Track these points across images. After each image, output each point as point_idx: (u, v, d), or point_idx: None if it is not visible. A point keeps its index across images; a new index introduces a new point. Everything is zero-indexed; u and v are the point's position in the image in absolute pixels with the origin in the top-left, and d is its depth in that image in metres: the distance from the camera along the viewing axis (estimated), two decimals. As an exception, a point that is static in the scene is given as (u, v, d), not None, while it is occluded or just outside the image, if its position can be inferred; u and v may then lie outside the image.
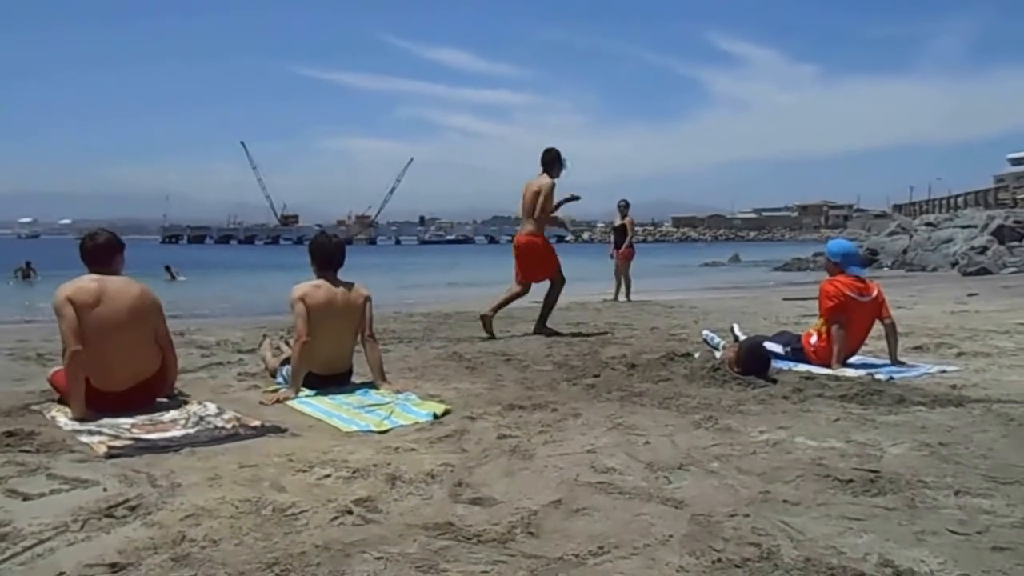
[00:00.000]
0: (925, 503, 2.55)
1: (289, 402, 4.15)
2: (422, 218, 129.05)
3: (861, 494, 2.64)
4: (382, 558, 2.14)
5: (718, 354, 5.16)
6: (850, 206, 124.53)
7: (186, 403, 4.03)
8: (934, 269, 21.97)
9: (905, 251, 24.84)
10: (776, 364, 4.92)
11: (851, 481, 2.74)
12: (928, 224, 27.85)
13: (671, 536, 2.27)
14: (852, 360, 5.22)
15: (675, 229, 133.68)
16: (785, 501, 2.56)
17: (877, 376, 4.65)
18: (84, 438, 3.37)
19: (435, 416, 3.81)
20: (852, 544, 2.21)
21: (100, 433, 3.44)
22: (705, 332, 6.15)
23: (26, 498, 2.60)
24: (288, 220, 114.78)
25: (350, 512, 2.48)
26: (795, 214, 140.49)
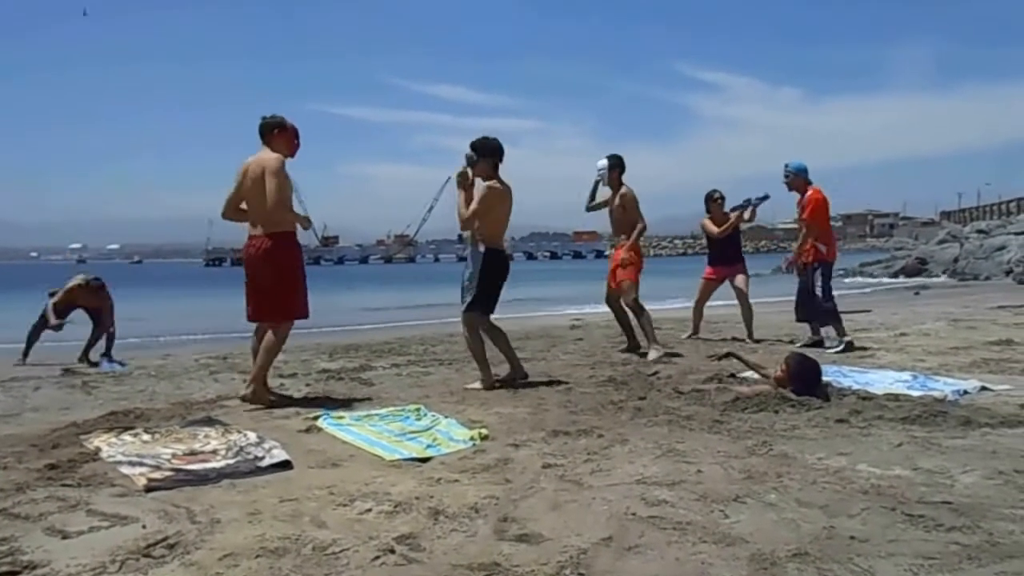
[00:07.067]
0: (1005, 539, 2.37)
1: (330, 430, 4.09)
2: (460, 236, 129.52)
3: (934, 529, 2.47)
4: (426, 603, 2.04)
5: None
6: (896, 214, 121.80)
7: (227, 432, 4.00)
8: (987, 278, 21.27)
9: (956, 260, 24.09)
10: (827, 376, 4.73)
11: (922, 516, 2.56)
12: (980, 231, 27.03)
13: (731, 578, 2.14)
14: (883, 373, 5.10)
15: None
16: (852, 537, 2.40)
17: (935, 396, 4.45)
18: (125, 470, 3.34)
19: (475, 443, 3.73)
20: (930, 587, 2.05)
21: (141, 464, 3.41)
22: None
23: (65, 536, 2.56)
24: (329, 241, 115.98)
25: (392, 551, 2.38)
26: (839, 223, 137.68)
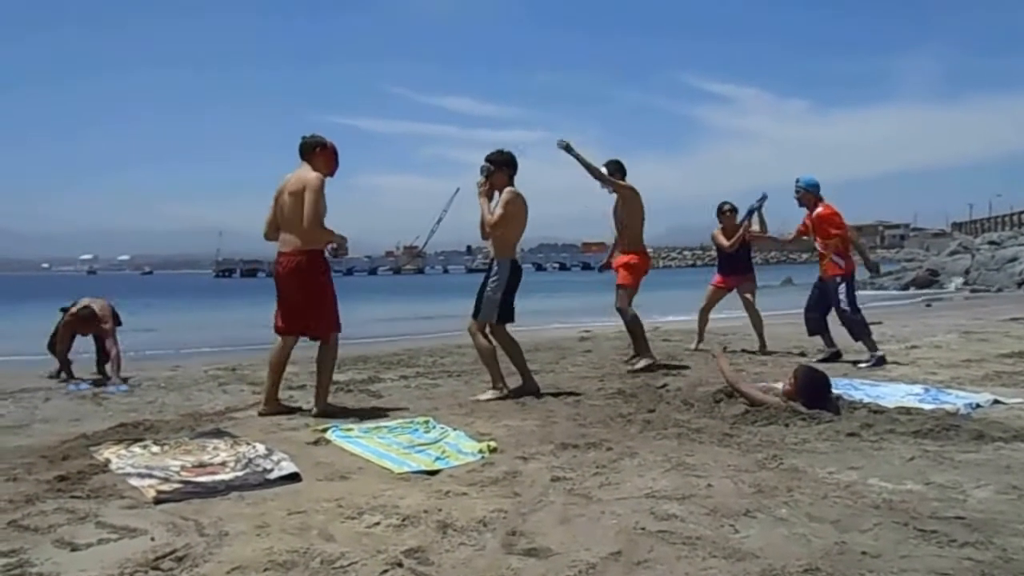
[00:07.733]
0: (1019, 555, 2.34)
1: (339, 442, 4.09)
2: (469, 247, 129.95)
3: (947, 544, 2.44)
4: (434, 617, 2.03)
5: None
6: (906, 225, 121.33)
7: (236, 444, 4.01)
8: (999, 290, 21.14)
9: (968, 271, 23.97)
10: (837, 389, 4.68)
11: (934, 531, 2.54)
12: (991, 243, 26.84)
13: (741, 594, 2.12)
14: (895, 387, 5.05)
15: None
16: (864, 553, 2.38)
17: (946, 408, 4.42)
18: (134, 482, 3.34)
19: (484, 455, 3.72)
20: (943, 604, 2.03)
21: (150, 476, 3.42)
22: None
23: (74, 548, 2.56)
24: (338, 253, 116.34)
25: (400, 565, 2.38)
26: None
